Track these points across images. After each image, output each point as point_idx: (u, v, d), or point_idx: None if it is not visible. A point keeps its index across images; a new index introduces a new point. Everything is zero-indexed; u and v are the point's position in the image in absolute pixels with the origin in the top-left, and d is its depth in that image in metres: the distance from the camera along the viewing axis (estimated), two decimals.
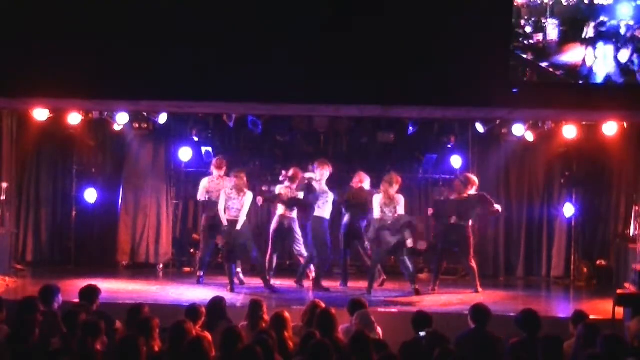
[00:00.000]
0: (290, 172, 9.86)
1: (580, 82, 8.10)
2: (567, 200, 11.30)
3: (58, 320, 5.83)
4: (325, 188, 9.73)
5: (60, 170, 11.50)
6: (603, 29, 8.05)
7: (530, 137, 10.78)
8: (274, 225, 9.94)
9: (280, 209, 9.92)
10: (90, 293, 6.65)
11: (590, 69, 8.07)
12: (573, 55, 8.07)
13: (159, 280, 10.20)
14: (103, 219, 11.52)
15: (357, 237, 9.85)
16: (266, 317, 6.17)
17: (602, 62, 8.08)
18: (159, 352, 5.29)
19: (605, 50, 8.08)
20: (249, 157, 11.62)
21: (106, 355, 5.20)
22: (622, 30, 8.06)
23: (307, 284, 9.82)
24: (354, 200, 9.77)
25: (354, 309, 6.40)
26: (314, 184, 9.67)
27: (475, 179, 9.94)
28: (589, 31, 8.07)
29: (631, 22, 8.05)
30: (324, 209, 9.67)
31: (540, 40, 8.06)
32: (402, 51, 7.82)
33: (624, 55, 8.08)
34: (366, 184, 9.92)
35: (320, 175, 9.67)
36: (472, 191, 9.85)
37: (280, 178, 10.02)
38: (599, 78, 8.06)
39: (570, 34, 8.07)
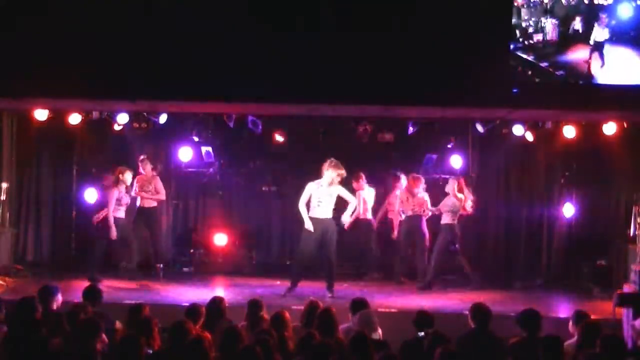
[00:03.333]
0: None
1: (580, 82, 8.11)
2: (567, 200, 11.29)
3: (61, 320, 5.83)
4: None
5: (60, 170, 11.49)
6: (603, 28, 8.05)
7: (530, 137, 10.76)
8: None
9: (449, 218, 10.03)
10: (92, 293, 6.64)
11: (590, 69, 8.07)
12: (573, 55, 8.08)
13: (159, 280, 10.19)
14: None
15: None
16: (266, 317, 6.17)
17: (602, 61, 8.08)
18: (159, 351, 5.28)
19: (605, 50, 8.08)
20: (249, 157, 11.61)
21: (106, 355, 5.20)
22: (622, 30, 8.07)
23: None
24: None
25: (356, 308, 6.38)
26: None
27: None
28: (588, 31, 8.07)
29: (630, 22, 8.06)
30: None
31: (540, 40, 8.07)
32: (402, 51, 7.82)
33: (624, 54, 8.09)
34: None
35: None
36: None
37: None
38: (599, 78, 8.06)
39: (570, 34, 8.08)
